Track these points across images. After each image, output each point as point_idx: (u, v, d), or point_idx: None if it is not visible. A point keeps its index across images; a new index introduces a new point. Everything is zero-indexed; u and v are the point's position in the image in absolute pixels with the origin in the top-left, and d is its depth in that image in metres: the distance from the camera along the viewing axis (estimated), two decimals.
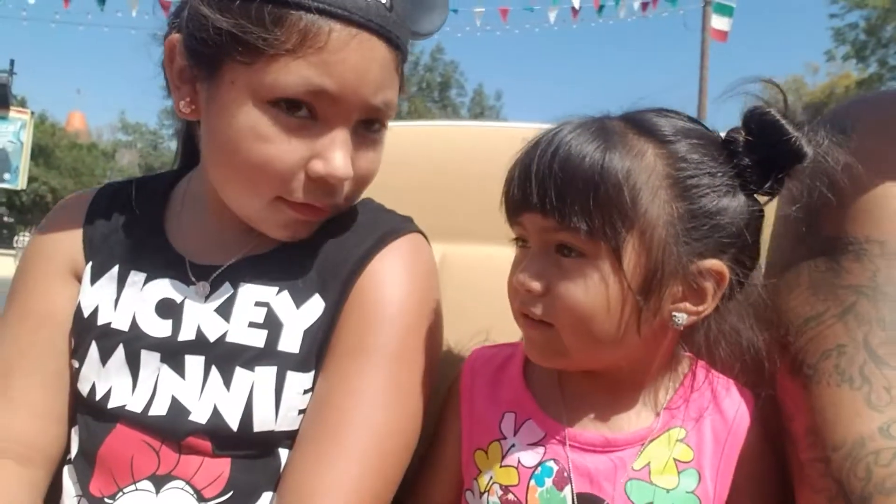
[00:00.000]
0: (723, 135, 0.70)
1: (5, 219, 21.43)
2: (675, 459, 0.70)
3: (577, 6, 13.20)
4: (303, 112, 0.70)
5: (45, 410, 0.82)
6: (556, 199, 0.63)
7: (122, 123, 38.85)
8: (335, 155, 0.71)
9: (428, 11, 0.85)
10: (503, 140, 1.10)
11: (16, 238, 20.25)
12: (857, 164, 0.69)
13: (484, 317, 0.89)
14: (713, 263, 0.66)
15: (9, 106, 19.74)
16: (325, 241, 0.80)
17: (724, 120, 0.71)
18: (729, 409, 0.72)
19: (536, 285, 0.67)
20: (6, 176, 19.07)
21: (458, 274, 1.05)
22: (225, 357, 0.76)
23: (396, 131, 1.26)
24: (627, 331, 0.66)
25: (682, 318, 0.67)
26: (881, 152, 0.72)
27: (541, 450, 0.72)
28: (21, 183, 19.36)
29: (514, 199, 0.68)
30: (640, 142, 0.66)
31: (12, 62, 24.44)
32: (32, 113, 22.52)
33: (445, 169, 1.16)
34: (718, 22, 14.73)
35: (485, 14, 13.87)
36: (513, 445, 0.74)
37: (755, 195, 0.69)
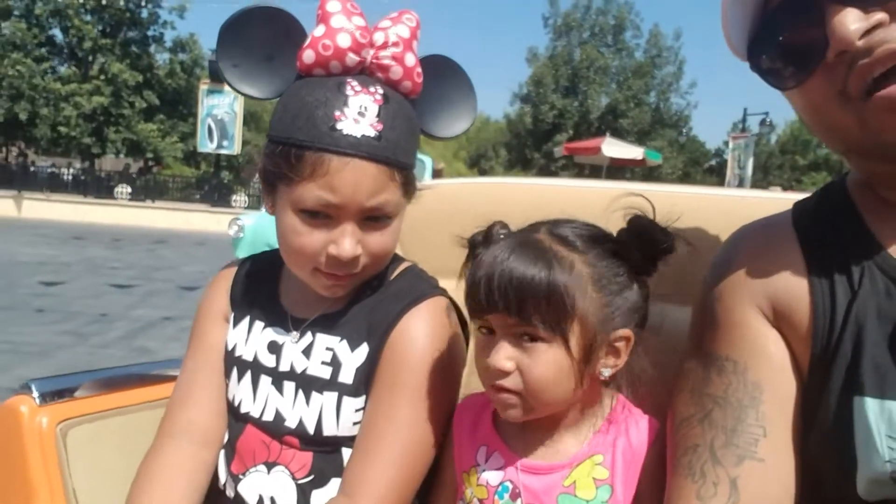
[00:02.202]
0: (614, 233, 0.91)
1: (225, 181, 23.87)
2: (594, 478, 0.89)
3: None
4: (321, 215, 0.95)
5: (216, 410, 1.11)
6: (518, 307, 0.82)
7: None
8: (344, 241, 0.95)
9: (455, 119, 1.11)
10: (538, 195, 1.35)
11: (233, 197, 21.71)
12: (730, 293, 0.84)
13: None
14: (624, 332, 0.88)
15: (222, 80, 21.84)
16: (374, 304, 1.05)
17: None
18: (633, 437, 0.91)
19: (510, 365, 0.85)
20: (225, 143, 20.46)
21: None
22: (306, 383, 1.03)
23: (446, 189, 1.43)
24: (575, 388, 0.87)
25: (607, 372, 0.89)
26: (748, 279, 0.84)
27: (501, 473, 0.93)
28: (237, 148, 20.71)
29: (481, 304, 0.85)
30: (567, 254, 0.85)
31: None
32: (241, 94, 24.41)
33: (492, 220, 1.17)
34: None
35: None
36: (484, 470, 0.94)
37: (642, 276, 0.91)
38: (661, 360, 0.93)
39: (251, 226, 6.92)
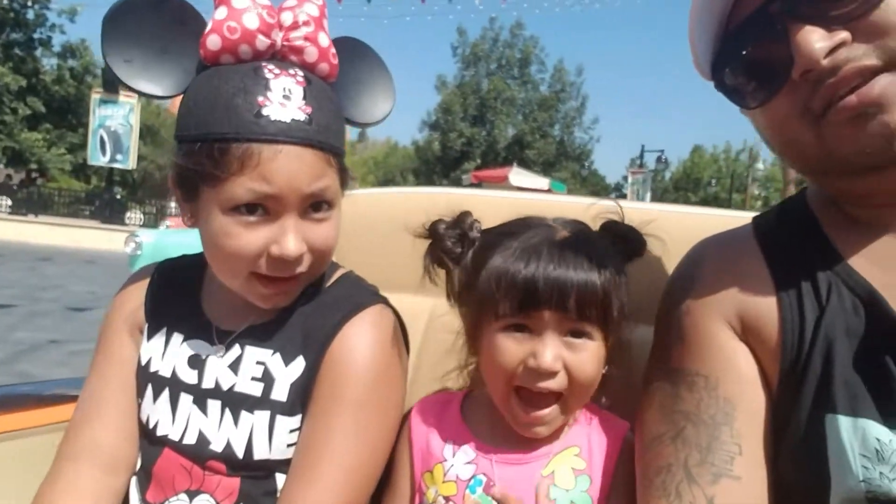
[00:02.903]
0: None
1: (118, 197, 22.63)
2: (572, 468, 0.90)
3: None
4: (259, 211, 0.87)
5: (125, 431, 1.02)
6: (577, 305, 0.83)
7: None
8: (287, 239, 0.88)
9: (375, 103, 1.05)
10: (477, 204, 1.23)
11: (127, 214, 20.82)
12: (698, 308, 0.84)
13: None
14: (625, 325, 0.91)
15: (118, 90, 19.84)
16: (310, 313, 0.98)
17: None
18: (606, 432, 0.94)
19: (559, 365, 0.85)
20: (118, 157, 19.57)
21: (441, 318, 1.15)
22: (234, 402, 0.95)
23: (383, 197, 1.38)
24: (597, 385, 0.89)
25: (609, 369, 0.91)
26: (715, 294, 0.83)
27: (473, 467, 0.91)
28: (131, 163, 19.87)
29: (536, 300, 0.83)
30: (604, 254, 0.88)
31: None
32: (140, 94, 23.57)
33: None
34: None
35: None
36: (452, 465, 0.93)
37: None
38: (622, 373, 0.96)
39: (151, 242, 6.55)
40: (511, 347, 0.86)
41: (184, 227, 1.00)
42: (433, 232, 0.97)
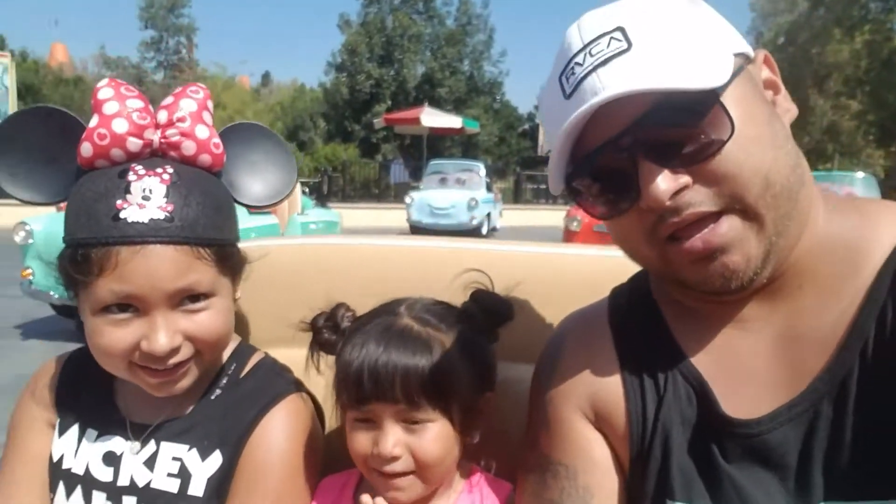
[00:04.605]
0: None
1: None
2: None
3: None
4: (130, 309, 0.92)
5: None
6: (405, 394, 0.88)
7: (103, 59, 37.63)
8: (156, 335, 0.92)
9: (270, 185, 1.10)
10: (368, 257, 1.29)
11: None
12: (558, 396, 0.89)
13: None
14: (489, 395, 0.99)
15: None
16: (228, 405, 1.03)
17: None
18: (490, 497, 0.99)
19: (399, 450, 0.89)
20: None
21: None
22: (151, 499, 0.99)
23: (286, 249, 1.35)
24: (458, 456, 0.96)
25: (476, 437, 0.97)
26: (572, 381, 0.89)
27: None
28: None
29: (364, 395, 0.89)
30: (438, 335, 0.93)
31: None
32: (13, 53, 21.56)
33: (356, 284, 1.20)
34: None
35: None
36: None
37: (490, 341, 1.03)
38: (506, 416, 1.03)
39: (42, 231, 5.56)
40: (359, 437, 0.93)
41: None
42: (312, 326, 1.02)
